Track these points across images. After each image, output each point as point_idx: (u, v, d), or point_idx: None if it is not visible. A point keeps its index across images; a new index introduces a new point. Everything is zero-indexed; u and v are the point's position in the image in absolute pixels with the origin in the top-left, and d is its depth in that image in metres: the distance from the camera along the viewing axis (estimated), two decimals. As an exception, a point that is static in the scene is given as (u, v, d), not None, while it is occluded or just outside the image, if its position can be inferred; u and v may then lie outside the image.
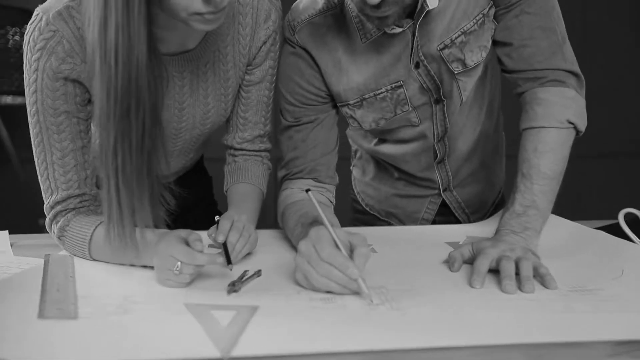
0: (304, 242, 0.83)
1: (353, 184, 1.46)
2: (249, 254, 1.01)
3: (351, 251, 0.83)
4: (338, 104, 1.14)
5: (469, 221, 1.35)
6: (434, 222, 1.35)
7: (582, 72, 1.05)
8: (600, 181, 2.98)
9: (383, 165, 1.36)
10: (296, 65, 1.11)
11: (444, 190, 1.30)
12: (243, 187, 1.16)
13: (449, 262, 0.95)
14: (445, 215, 1.35)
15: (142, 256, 0.91)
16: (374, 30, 1.05)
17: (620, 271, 0.89)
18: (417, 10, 1.01)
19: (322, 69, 1.10)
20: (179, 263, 0.83)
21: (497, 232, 0.99)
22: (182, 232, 0.89)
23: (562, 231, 1.11)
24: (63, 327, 0.70)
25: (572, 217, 1.20)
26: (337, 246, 0.82)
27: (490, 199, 1.39)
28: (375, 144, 1.30)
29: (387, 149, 1.28)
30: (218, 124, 1.17)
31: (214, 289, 0.85)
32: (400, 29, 1.03)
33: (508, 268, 0.86)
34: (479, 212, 1.36)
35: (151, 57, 0.86)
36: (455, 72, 1.08)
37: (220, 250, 0.92)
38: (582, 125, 1.04)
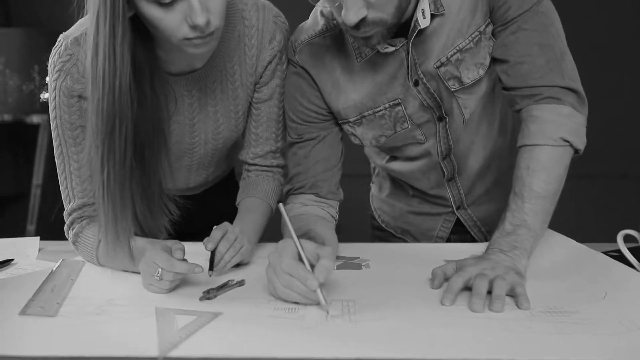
0: (272, 254, 0.87)
1: (371, 200, 1.48)
2: (241, 264, 1.05)
3: None
4: (339, 122, 1.16)
5: (486, 240, 1.32)
6: (449, 240, 1.34)
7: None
8: (596, 202, 2.80)
9: (398, 183, 1.36)
10: (298, 85, 1.15)
11: (458, 208, 1.29)
12: (250, 202, 1.21)
13: (431, 279, 0.95)
14: (460, 233, 1.33)
15: (135, 263, 0.98)
16: (368, 50, 1.07)
17: (604, 294, 0.85)
18: (410, 29, 1.03)
19: (321, 88, 1.13)
20: (160, 270, 0.89)
21: (486, 250, 0.98)
22: (169, 242, 0.95)
23: (561, 251, 1.08)
24: (38, 323, 0.77)
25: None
26: (300, 258, 0.84)
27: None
28: (387, 161, 1.31)
29: (397, 166, 1.29)
30: (231, 140, 1.22)
31: (193, 295, 0.89)
32: (393, 48, 1.04)
33: (479, 286, 0.85)
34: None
35: (137, 79, 0.94)
36: (452, 89, 1.08)
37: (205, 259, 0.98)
38: (579, 143, 1.00)
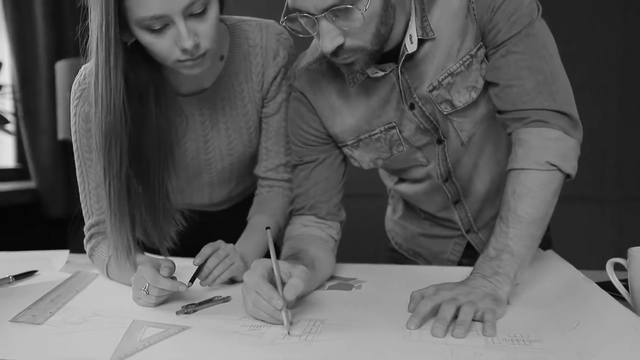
0: (246, 273, 0.90)
1: (385, 221, 1.48)
2: (234, 281, 1.10)
3: None
4: (338, 145, 1.19)
5: (500, 265, 1.29)
6: (460, 264, 1.32)
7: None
8: (585, 227, 2.59)
9: (410, 205, 1.36)
10: (297, 109, 1.19)
11: (467, 231, 1.27)
12: (258, 219, 1.25)
13: (409, 302, 0.95)
14: (472, 257, 1.30)
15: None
16: (359, 75, 1.10)
17: (576, 323, 0.82)
18: (400, 53, 1.04)
19: (319, 112, 1.16)
20: (147, 284, 0.95)
21: (470, 275, 0.97)
22: (161, 260, 1.01)
23: (553, 275, 1.04)
24: (23, 330, 0.85)
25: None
26: (271, 276, 0.88)
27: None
28: (395, 183, 1.32)
29: (404, 188, 1.29)
30: (245, 155, 1.28)
31: (174, 309, 0.94)
32: (383, 73, 1.06)
33: (444, 311, 0.84)
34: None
35: (142, 99, 1.03)
36: (445, 113, 1.08)
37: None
38: (569, 167, 0.97)
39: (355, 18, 0.92)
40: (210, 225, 1.33)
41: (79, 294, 1.05)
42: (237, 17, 1.21)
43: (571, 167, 0.98)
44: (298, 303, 0.97)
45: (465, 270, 1.01)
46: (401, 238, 1.41)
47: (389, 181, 1.36)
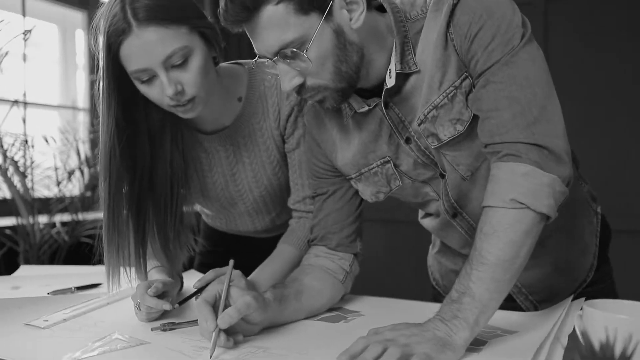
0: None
1: (427, 257, 1.43)
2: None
3: None
4: (346, 178, 1.20)
5: (536, 309, 1.18)
6: (493, 306, 1.23)
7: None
8: None
9: (444, 240, 1.31)
10: (308, 143, 1.23)
11: (495, 271, 1.19)
12: (282, 248, 1.31)
13: None
14: (506, 300, 1.21)
15: None
16: (348, 110, 1.11)
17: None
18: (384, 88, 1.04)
19: (323, 147, 1.19)
20: (138, 301, 1.07)
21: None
22: (157, 280, 1.12)
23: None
24: (27, 332, 1.01)
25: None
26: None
27: (565, 287, 1.19)
28: (421, 218, 1.29)
29: (426, 223, 1.26)
30: (273, 187, 1.35)
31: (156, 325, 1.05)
32: (367, 107, 1.06)
33: (368, 351, 0.82)
34: (549, 301, 1.18)
35: (158, 137, 1.17)
36: (432, 146, 1.04)
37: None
38: (540, 206, 0.88)
39: (305, 60, 0.95)
40: (267, 250, 1.42)
41: (107, 306, 1.20)
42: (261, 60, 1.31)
43: (544, 206, 0.88)
44: (272, 329, 1.02)
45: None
46: (438, 274, 1.36)
47: (419, 216, 1.32)
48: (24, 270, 1.65)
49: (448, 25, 0.97)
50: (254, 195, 1.36)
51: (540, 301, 1.19)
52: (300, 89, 0.99)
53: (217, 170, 1.33)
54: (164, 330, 1.02)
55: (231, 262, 1.05)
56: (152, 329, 1.03)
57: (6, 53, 2.19)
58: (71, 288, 1.34)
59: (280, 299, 1.04)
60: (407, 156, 1.09)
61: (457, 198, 1.10)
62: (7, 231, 2.43)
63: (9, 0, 2.72)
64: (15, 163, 2.40)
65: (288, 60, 0.95)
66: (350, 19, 0.95)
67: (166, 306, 1.05)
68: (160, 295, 1.08)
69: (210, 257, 1.58)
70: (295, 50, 0.93)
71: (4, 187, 2.43)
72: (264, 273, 1.24)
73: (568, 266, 1.18)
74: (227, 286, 0.98)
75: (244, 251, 1.43)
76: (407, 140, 1.08)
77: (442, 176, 1.09)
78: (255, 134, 1.29)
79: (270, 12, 0.92)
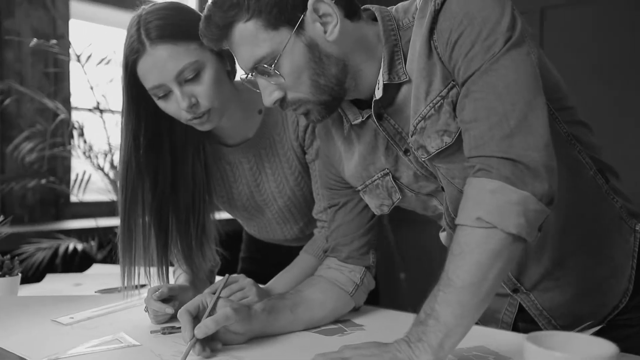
0: None
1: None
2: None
3: None
4: (355, 190, 1.18)
5: (558, 335, 1.09)
6: (515, 328, 1.15)
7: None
8: None
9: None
10: (321, 155, 1.23)
11: (514, 291, 1.11)
12: (301, 257, 1.33)
13: None
14: (529, 321, 1.13)
15: None
16: (345, 122, 1.09)
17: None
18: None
19: (331, 158, 1.18)
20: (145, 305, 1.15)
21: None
22: (165, 286, 1.18)
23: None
24: (49, 327, 1.12)
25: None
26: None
27: (592, 312, 1.08)
28: (440, 232, 1.23)
29: (442, 237, 1.20)
30: (297, 197, 1.38)
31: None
32: (360, 119, 1.04)
33: None
34: (573, 326, 1.08)
35: (181, 151, 1.23)
36: (422, 159, 1.00)
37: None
38: (508, 225, 0.80)
39: (278, 75, 0.95)
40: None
41: (134, 308, 1.29)
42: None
43: (513, 225, 0.81)
44: (260, 339, 1.04)
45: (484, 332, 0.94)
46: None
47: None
48: (94, 268, 1.81)
49: (432, 33, 0.93)
50: (278, 204, 1.39)
51: (564, 326, 1.09)
52: (282, 102, 0.99)
53: (241, 181, 1.37)
54: (164, 333, 1.08)
55: (226, 275, 1.08)
56: (151, 332, 1.09)
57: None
58: (117, 288, 1.45)
59: (270, 310, 1.06)
60: (407, 168, 1.06)
61: (456, 213, 1.04)
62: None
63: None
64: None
65: (265, 75, 0.97)
66: (325, 32, 0.94)
67: (169, 310, 1.11)
68: (167, 300, 1.15)
69: (251, 264, 1.64)
70: (265, 65, 0.94)
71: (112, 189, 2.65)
72: (280, 281, 1.27)
73: (595, 289, 1.07)
74: (216, 297, 1.01)
75: (282, 259, 1.46)
76: (406, 152, 1.04)
77: (444, 190, 1.05)
78: (275, 146, 1.32)
79: (241, 29, 0.94)
